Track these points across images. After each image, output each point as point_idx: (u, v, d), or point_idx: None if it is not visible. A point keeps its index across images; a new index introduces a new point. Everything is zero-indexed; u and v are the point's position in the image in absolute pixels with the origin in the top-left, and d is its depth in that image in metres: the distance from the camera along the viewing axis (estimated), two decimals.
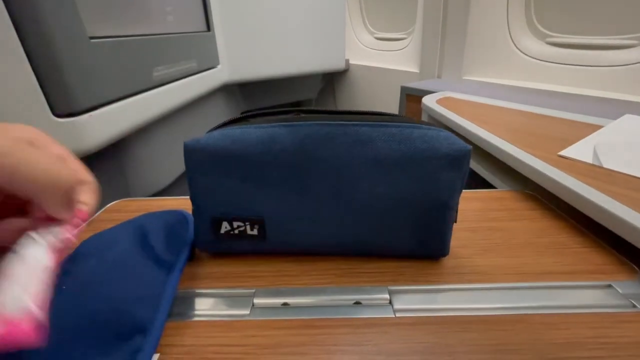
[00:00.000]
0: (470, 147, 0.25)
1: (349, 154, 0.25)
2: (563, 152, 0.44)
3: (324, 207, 0.27)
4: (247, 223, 0.28)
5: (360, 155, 0.25)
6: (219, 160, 0.26)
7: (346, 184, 0.26)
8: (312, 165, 0.26)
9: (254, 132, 0.26)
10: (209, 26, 0.95)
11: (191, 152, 0.26)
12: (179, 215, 0.34)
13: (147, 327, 0.22)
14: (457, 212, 0.27)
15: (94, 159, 0.54)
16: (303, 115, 0.28)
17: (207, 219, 0.28)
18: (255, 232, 0.28)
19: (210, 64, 0.96)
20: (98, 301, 0.23)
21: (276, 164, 0.26)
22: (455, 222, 0.28)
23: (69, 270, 0.24)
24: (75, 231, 0.20)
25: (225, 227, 0.28)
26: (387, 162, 0.25)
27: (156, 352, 0.21)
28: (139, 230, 0.30)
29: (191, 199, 0.28)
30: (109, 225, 0.31)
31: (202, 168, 0.27)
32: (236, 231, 0.28)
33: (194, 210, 0.29)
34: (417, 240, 0.28)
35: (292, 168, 0.26)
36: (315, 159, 0.26)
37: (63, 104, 0.47)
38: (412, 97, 1.02)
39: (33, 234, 0.18)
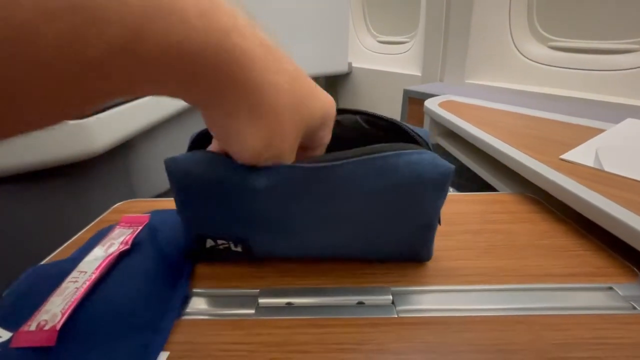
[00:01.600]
0: (453, 166, 0.25)
1: (333, 192, 0.25)
2: (564, 156, 0.44)
3: (309, 232, 0.27)
4: (230, 242, 0.27)
5: (345, 191, 0.25)
6: (197, 183, 0.25)
7: (331, 215, 0.26)
8: (295, 202, 0.25)
9: (235, 167, 0.24)
10: None
11: (170, 172, 0.25)
12: None
13: (156, 324, 0.23)
14: (439, 216, 0.27)
15: (100, 161, 0.55)
16: None
17: (191, 234, 0.28)
18: (239, 249, 0.28)
19: None
20: (118, 294, 0.24)
21: (253, 198, 0.25)
22: (440, 224, 0.28)
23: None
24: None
25: (209, 243, 0.28)
26: (372, 194, 0.25)
27: (165, 350, 0.22)
28: (152, 227, 0.31)
29: (178, 214, 0.28)
30: None
31: (182, 188, 0.26)
32: (220, 247, 0.28)
33: (182, 223, 0.28)
34: (401, 251, 0.29)
35: (271, 204, 0.25)
36: (299, 197, 0.25)
37: None
38: (414, 100, 1.02)
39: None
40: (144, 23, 0.13)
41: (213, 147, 0.25)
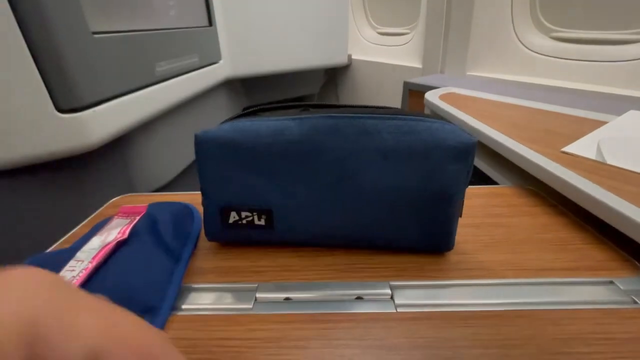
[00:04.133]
0: (476, 139, 0.25)
1: (355, 145, 0.26)
2: (566, 148, 0.44)
3: (330, 196, 0.27)
4: (254, 213, 0.28)
5: (366, 146, 0.26)
6: (228, 151, 0.27)
7: (352, 174, 0.26)
8: (319, 156, 0.26)
9: (263, 124, 0.27)
10: (210, 21, 0.95)
11: (201, 143, 0.27)
12: (185, 208, 0.35)
13: (155, 309, 0.23)
14: (462, 206, 0.28)
15: (98, 155, 0.54)
16: (312, 109, 0.28)
17: (215, 209, 0.29)
18: (262, 222, 0.29)
19: (212, 59, 0.96)
20: (114, 281, 0.24)
21: (284, 155, 0.26)
22: (461, 216, 0.28)
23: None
24: None
25: (233, 217, 0.29)
26: (393, 153, 0.25)
27: None
28: (150, 217, 0.31)
29: (201, 189, 0.29)
30: None
31: (212, 159, 0.27)
32: (244, 221, 0.29)
33: (203, 201, 0.29)
34: (422, 232, 0.28)
35: (300, 158, 0.26)
36: (322, 150, 0.26)
37: (66, 99, 0.47)
38: (414, 92, 1.01)
39: None
40: None
41: None
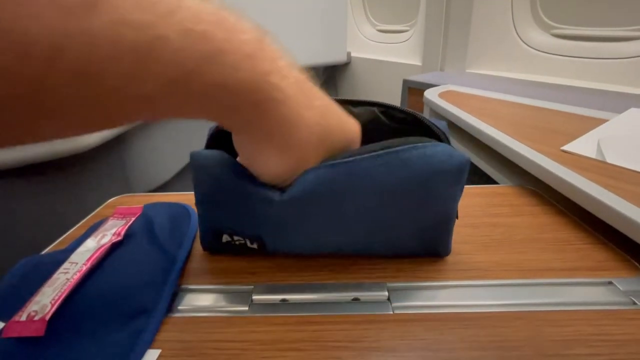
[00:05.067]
0: (468, 157, 0.24)
1: (348, 190, 0.25)
2: (566, 147, 0.43)
3: (324, 229, 0.27)
4: (246, 239, 0.28)
5: (360, 188, 0.24)
6: (220, 184, 0.26)
7: (347, 213, 0.26)
8: (311, 205, 0.25)
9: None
10: None
11: (195, 166, 0.26)
12: (182, 208, 0.35)
13: (151, 310, 0.23)
14: (457, 210, 0.27)
15: (94, 154, 0.54)
16: None
17: (208, 228, 0.29)
18: (255, 246, 0.28)
19: None
20: (109, 282, 0.24)
21: (274, 204, 0.25)
22: (457, 218, 0.27)
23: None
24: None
25: (225, 238, 0.28)
26: (388, 189, 0.24)
27: (157, 348, 0.21)
28: (146, 218, 0.31)
29: (195, 205, 0.28)
30: None
31: (203, 183, 0.27)
32: (236, 243, 0.28)
33: (198, 214, 0.29)
34: (420, 245, 0.28)
35: (292, 208, 0.25)
36: (315, 199, 0.25)
37: None
38: (414, 90, 1.01)
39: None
40: (197, 66, 0.15)
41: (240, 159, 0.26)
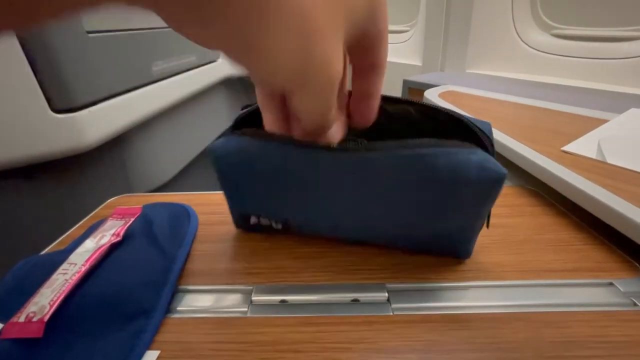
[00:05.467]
0: (505, 171, 0.22)
1: (370, 181, 0.25)
2: (566, 147, 0.43)
3: (346, 215, 0.28)
4: (272, 220, 0.30)
5: (381, 182, 0.24)
6: (241, 168, 0.27)
7: (369, 204, 0.26)
8: (333, 188, 0.26)
9: (273, 152, 0.25)
10: None
11: (215, 158, 0.28)
12: (182, 208, 0.35)
13: (150, 311, 0.23)
14: (488, 218, 0.26)
15: (94, 155, 0.54)
16: None
17: (237, 213, 0.31)
18: (279, 226, 0.30)
19: (210, 58, 0.95)
20: (108, 283, 0.24)
21: (296, 179, 0.26)
22: (488, 227, 0.27)
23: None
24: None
25: (253, 220, 0.31)
26: (409, 189, 0.24)
27: (156, 350, 0.21)
28: (145, 218, 0.31)
29: (223, 192, 0.31)
30: None
31: (226, 172, 0.28)
32: (263, 224, 0.31)
33: (227, 200, 0.31)
34: (435, 246, 0.28)
35: (313, 186, 0.26)
36: (336, 183, 0.25)
37: (61, 99, 0.47)
38: (414, 90, 1.00)
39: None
40: None
41: (267, 124, 0.22)
